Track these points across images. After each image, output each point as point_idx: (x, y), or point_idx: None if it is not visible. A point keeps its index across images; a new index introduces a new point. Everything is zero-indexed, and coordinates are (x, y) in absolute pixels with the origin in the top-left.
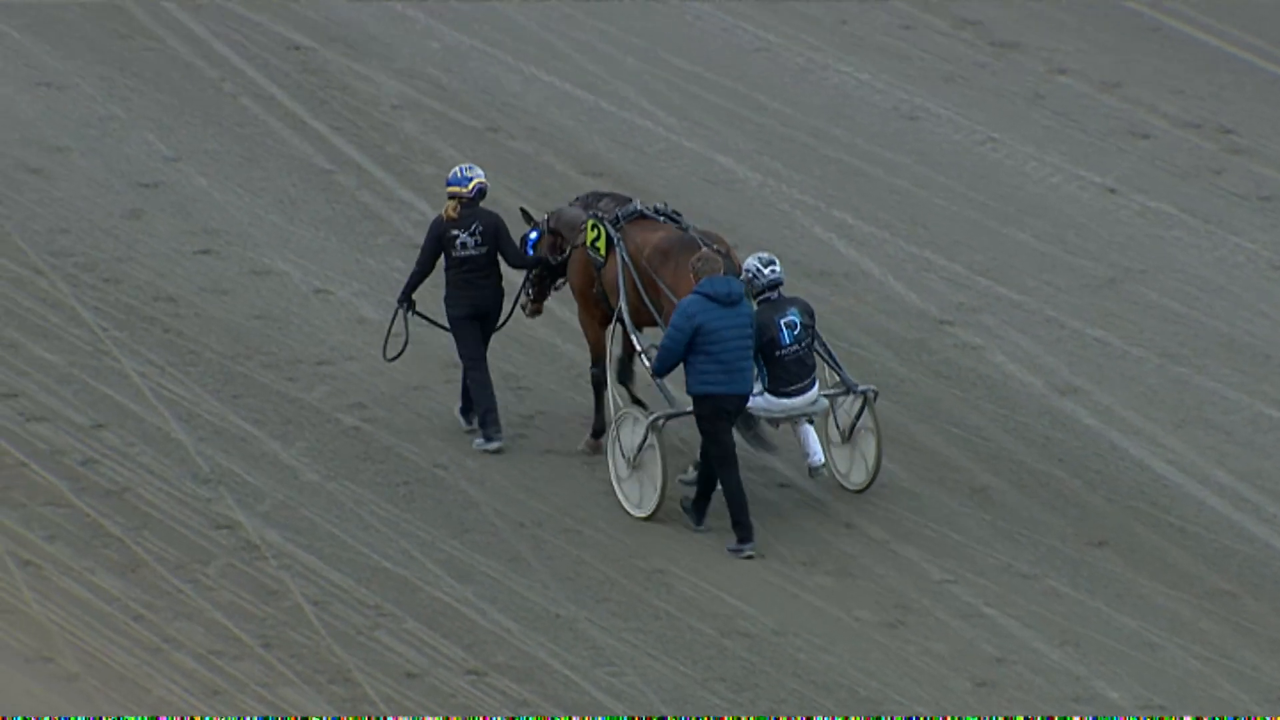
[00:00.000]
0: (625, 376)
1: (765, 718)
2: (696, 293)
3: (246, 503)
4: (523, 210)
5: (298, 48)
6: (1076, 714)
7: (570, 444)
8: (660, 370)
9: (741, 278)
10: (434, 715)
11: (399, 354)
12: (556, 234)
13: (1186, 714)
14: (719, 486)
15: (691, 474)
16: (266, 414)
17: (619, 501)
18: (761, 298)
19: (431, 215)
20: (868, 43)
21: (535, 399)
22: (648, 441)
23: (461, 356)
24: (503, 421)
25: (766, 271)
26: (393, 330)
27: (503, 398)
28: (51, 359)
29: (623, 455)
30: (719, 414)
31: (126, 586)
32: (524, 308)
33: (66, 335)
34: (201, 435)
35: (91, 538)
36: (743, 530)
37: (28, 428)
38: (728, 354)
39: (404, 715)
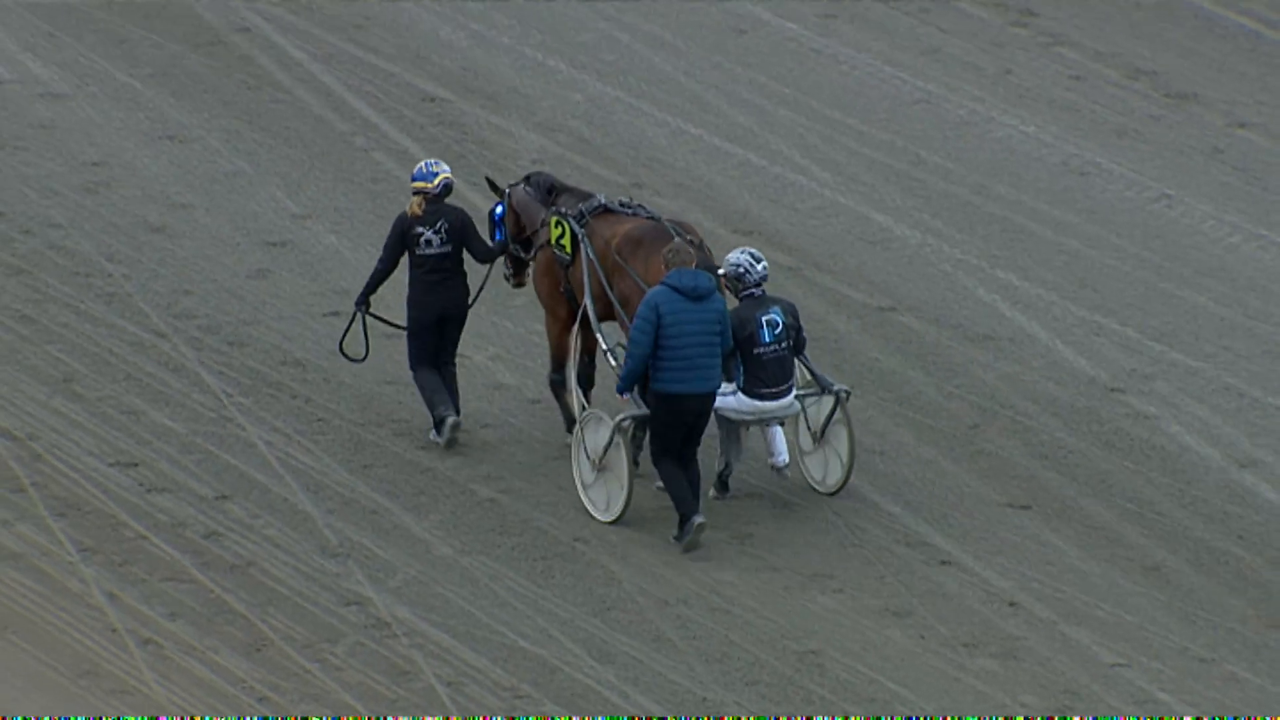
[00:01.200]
0: (584, 381)
1: (765, 717)
2: (663, 284)
3: (377, 578)
4: (488, 179)
5: (433, 99)
6: None
7: (719, 520)
8: (633, 367)
9: (725, 271)
10: (434, 718)
11: (363, 358)
12: (514, 212)
13: None
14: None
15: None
16: (398, 484)
17: (585, 508)
18: (745, 293)
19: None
20: (1035, 94)
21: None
22: (613, 443)
23: (410, 356)
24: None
25: (759, 268)
26: (349, 332)
27: (650, 469)
28: (174, 427)
29: (587, 458)
30: (675, 413)
31: (251, 666)
32: (507, 279)
33: (189, 402)
34: (330, 507)
35: (215, 615)
36: (685, 507)
37: (149, 499)
38: (689, 350)
39: (404, 717)
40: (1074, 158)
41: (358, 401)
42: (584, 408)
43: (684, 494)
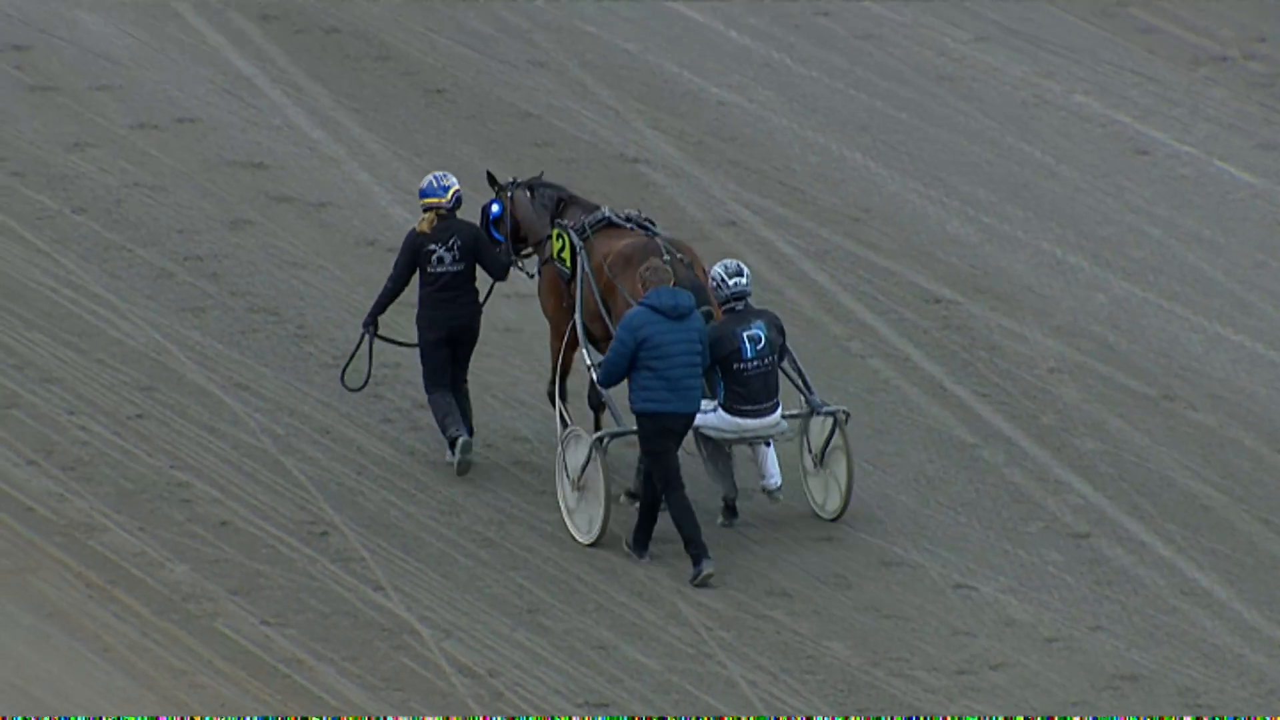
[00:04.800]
0: (561, 392)
1: (765, 717)
2: (642, 304)
3: None
4: (489, 174)
5: (938, 300)
6: None
7: None
8: (605, 383)
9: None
10: (433, 715)
11: (363, 385)
12: (513, 218)
13: None
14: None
15: (625, 500)
16: None
17: (569, 533)
18: (726, 308)
19: (1093, 498)
20: None
21: (1143, 689)
22: (591, 461)
23: (425, 379)
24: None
25: (731, 282)
26: (356, 356)
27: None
28: (647, 663)
29: (568, 478)
30: (663, 434)
31: None
32: (518, 267)
33: (665, 635)
34: None
35: None
36: (695, 548)
37: None
38: (673, 370)
39: (404, 715)
40: None
41: (850, 636)
42: (565, 425)
43: (695, 530)
